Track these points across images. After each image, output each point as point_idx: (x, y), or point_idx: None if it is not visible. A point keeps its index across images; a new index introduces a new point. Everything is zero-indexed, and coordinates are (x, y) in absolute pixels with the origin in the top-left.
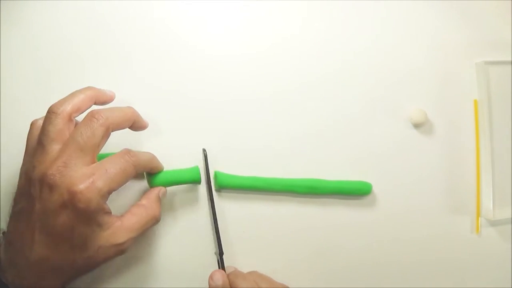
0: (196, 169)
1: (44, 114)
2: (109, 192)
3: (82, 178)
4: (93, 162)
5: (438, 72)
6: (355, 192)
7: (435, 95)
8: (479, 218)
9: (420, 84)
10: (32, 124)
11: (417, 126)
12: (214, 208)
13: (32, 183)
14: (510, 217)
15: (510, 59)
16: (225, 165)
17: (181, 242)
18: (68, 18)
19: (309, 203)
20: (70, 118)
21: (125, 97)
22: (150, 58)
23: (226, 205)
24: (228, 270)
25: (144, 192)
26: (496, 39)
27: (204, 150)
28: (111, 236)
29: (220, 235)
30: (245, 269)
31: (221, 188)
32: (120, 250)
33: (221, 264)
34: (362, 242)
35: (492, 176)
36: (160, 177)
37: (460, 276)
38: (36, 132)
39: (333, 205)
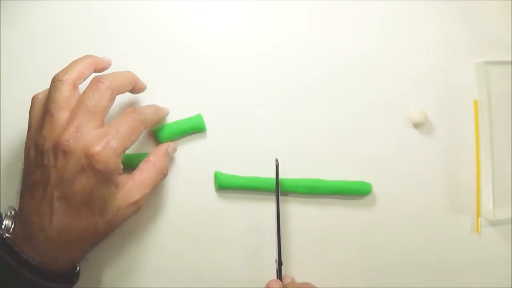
0: (199, 116)
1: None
2: (123, 151)
3: (96, 139)
4: (103, 125)
5: (438, 72)
6: (355, 192)
7: (435, 95)
8: (479, 218)
9: (420, 84)
10: (33, 99)
11: (417, 126)
12: (279, 217)
13: (45, 153)
14: (510, 217)
15: (510, 59)
16: (226, 165)
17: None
18: (67, 18)
19: (308, 203)
20: (75, 85)
21: (124, 96)
22: (150, 59)
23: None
24: (285, 280)
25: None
26: (496, 39)
27: (276, 160)
28: (126, 195)
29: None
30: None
31: (221, 188)
32: (136, 208)
33: (279, 273)
34: (362, 242)
35: (492, 176)
36: (166, 130)
37: (460, 276)
38: (39, 105)
39: (333, 205)
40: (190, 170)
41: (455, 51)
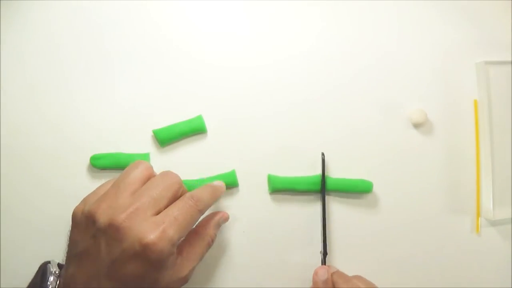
0: (200, 118)
1: (42, 115)
2: (179, 240)
3: (153, 227)
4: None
5: (438, 72)
6: (356, 190)
7: (435, 95)
8: (479, 218)
9: (420, 84)
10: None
11: (417, 126)
12: (325, 210)
13: (97, 226)
14: (510, 217)
15: (510, 59)
16: (226, 166)
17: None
18: (68, 18)
19: (309, 201)
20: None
21: (124, 95)
22: (150, 60)
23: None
24: (330, 269)
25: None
26: (496, 39)
27: (322, 154)
28: (176, 272)
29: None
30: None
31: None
32: (184, 281)
33: (323, 263)
34: (362, 241)
35: (492, 176)
36: (167, 132)
37: (460, 276)
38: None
39: (333, 202)
40: (190, 171)
41: (455, 51)
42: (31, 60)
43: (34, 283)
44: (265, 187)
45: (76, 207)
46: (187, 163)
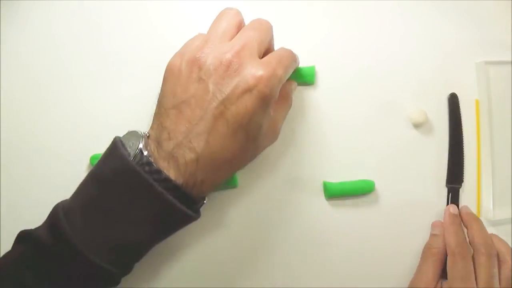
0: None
1: (42, 115)
2: (284, 80)
3: (264, 64)
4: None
5: (438, 72)
6: (360, 192)
7: (435, 95)
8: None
9: (420, 84)
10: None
11: (417, 126)
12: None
13: (204, 67)
14: (510, 217)
15: (510, 59)
16: None
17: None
18: (68, 18)
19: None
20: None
21: (125, 95)
22: (151, 60)
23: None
24: (462, 209)
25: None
26: (496, 39)
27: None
28: (270, 123)
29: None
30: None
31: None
32: (274, 138)
33: (454, 198)
34: (364, 240)
35: (492, 176)
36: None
37: None
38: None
39: (334, 203)
40: None
41: (455, 51)
42: (31, 60)
43: (119, 155)
44: (267, 187)
45: (171, 60)
46: None
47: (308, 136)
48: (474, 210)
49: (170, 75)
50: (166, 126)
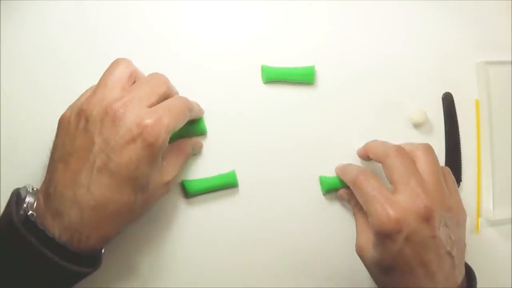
0: (200, 120)
1: (43, 115)
2: (173, 130)
3: (149, 113)
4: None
5: (438, 72)
6: None
7: (435, 95)
8: (479, 218)
9: (420, 84)
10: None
11: (417, 126)
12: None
13: (91, 119)
14: (510, 217)
15: (510, 59)
16: (227, 164)
17: None
18: (68, 18)
19: (310, 201)
20: (132, 74)
21: None
22: (151, 61)
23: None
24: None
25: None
26: (496, 39)
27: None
28: (162, 174)
29: None
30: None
31: (191, 195)
32: (167, 189)
33: None
34: None
35: (492, 176)
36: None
37: None
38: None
39: (332, 201)
40: (190, 172)
41: (455, 51)
42: (31, 60)
43: (8, 212)
44: (267, 186)
45: (63, 114)
46: (187, 163)
47: (307, 136)
48: (474, 209)
49: (60, 127)
50: (53, 179)
